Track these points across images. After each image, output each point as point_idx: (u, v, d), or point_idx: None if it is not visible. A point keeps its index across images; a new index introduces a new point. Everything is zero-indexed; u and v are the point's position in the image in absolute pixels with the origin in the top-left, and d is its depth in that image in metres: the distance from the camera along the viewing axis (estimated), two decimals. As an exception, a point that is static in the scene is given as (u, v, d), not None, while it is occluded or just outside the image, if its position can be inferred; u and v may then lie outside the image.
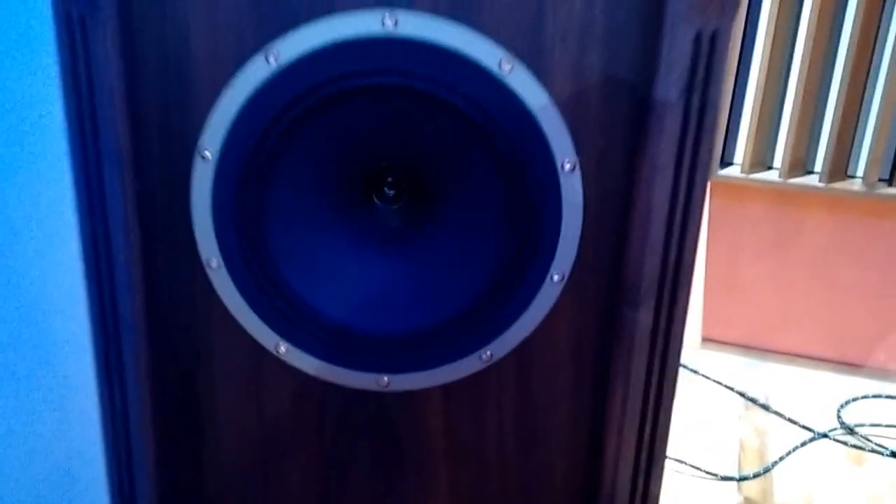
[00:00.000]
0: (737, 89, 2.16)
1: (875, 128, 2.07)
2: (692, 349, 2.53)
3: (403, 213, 0.77)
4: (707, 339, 2.57)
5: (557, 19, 0.67)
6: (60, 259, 0.94)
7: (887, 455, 2.04)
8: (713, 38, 0.67)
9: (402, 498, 0.86)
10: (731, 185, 2.29)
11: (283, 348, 0.77)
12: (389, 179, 0.77)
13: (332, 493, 0.84)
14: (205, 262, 0.75)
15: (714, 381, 2.38)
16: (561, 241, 0.73)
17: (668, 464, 1.90)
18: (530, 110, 0.69)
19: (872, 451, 2.04)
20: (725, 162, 2.26)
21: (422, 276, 0.77)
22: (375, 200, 0.77)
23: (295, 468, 0.84)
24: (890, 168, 2.15)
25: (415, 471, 0.84)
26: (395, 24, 0.67)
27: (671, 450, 1.95)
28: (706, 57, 0.67)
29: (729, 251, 2.47)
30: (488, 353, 0.77)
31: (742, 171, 2.20)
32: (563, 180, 0.71)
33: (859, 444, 2.06)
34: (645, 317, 0.74)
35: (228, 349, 0.78)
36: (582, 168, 0.71)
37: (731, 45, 0.68)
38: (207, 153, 0.71)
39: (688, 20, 0.65)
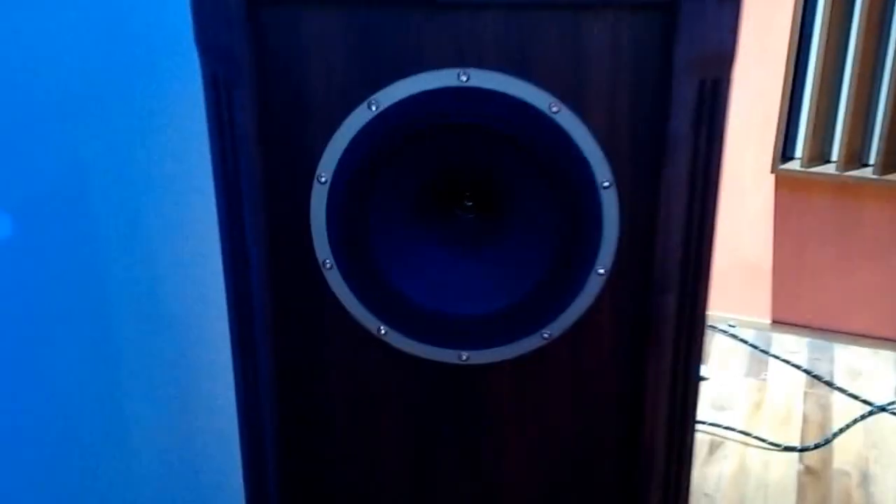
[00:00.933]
0: (795, 89, 2.29)
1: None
2: (762, 331, 2.66)
3: (477, 221, 0.97)
4: (777, 322, 2.69)
5: (594, 72, 0.87)
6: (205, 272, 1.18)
7: (942, 425, 2.14)
8: (715, 85, 0.86)
9: (480, 460, 1.06)
10: (794, 178, 2.42)
11: (383, 330, 0.99)
12: (466, 194, 0.97)
13: (425, 456, 1.05)
14: (321, 263, 0.96)
15: (782, 360, 2.52)
16: (603, 242, 0.92)
17: (735, 436, 2.07)
18: (575, 142, 0.89)
19: (929, 422, 2.15)
20: (787, 156, 2.38)
21: (492, 271, 0.97)
22: (455, 211, 0.97)
23: (392, 431, 1.04)
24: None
25: (490, 435, 1.04)
26: (468, 78, 0.88)
27: (740, 423, 2.12)
28: (710, 100, 0.86)
29: (795, 240, 2.58)
30: (547, 332, 0.97)
31: (802, 165, 2.32)
32: (602, 195, 0.91)
33: (917, 416, 2.17)
34: (671, 301, 0.93)
35: (340, 333, 0.99)
36: (617, 186, 0.90)
37: (729, 90, 0.87)
38: (323, 178, 0.92)
39: (691, 73, 0.84)
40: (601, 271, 0.94)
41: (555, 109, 0.88)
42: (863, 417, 2.27)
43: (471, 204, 0.97)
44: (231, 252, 0.96)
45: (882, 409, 2.32)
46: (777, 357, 2.59)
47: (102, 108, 1.27)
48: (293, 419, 1.03)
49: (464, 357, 0.98)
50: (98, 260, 1.35)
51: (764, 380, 2.48)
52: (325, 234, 0.95)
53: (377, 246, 0.96)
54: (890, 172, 2.34)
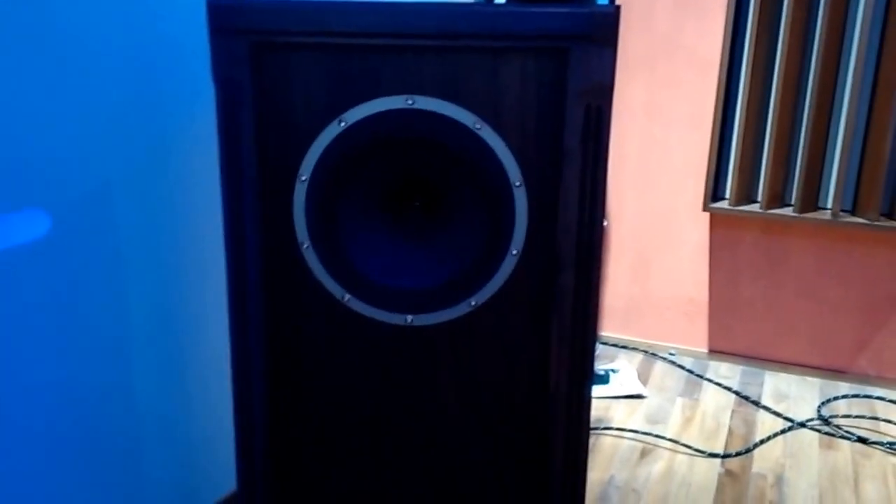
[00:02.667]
0: (723, 138, 2.61)
1: (838, 165, 2.48)
2: (700, 359, 2.94)
3: (422, 214, 1.27)
4: (713, 350, 2.97)
5: (507, 99, 1.17)
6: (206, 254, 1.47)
7: (854, 440, 2.44)
8: (598, 110, 1.17)
9: (424, 403, 1.32)
10: (724, 217, 2.72)
11: (347, 297, 1.27)
12: (414, 193, 1.27)
13: (381, 400, 1.33)
14: (300, 244, 1.25)
15: (715, 383, 2.79)
16: (516, 229, 1.22)
17: (665, 444, 2.35)
18: (494, 151, 1.19)
19: (842, 437, 2.44)
20: (718, 197, 2.69)
21: (432, 253, 1.26)
22: (405, 206, 1.27)
23: (354, 379, 1.32)
24: (852, 200, 2.55)
25: (431, 383, 1.32)
26: (413, 102, 1.18)
27: (671, 434, 2.39)
28: (595, 120, 1.17)
29: (729, 274, 2.87)
30: (473, 301, 1.26)
31: (730, 204, 2.62)
32: (515, 193, 1.21)
33: (831, 431, 2.46)
34: (569, 277, 1.23)
35: (314, 300, 1.28)
36: (526, 186, 1.21)
37: (611, 117, 1.17)
38: (303, 177, 1.22)
39: (579, 100, 1.15)
40: (514, 252, 1.23)
41: (478, 126, 1.18)
42: (783, 432, 2.54)
43: (417, 201, 1.27)
44: (231, 235, 1.25)
45: (802, 424, 2.59)
46: (710, 381, 2.87)
47: (127, 123, 1.57)
48: (277, 370, 1.31)
49: (409, 320, 1.27)
50: (119, 255, 1.63)
51: (696, 399, 2.75)
52: (304, 221, 1.24)
53: (344, 232, 1.25)
54: (809, 211, 2.64)
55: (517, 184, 1.18)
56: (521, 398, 1.29)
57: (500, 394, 1.29)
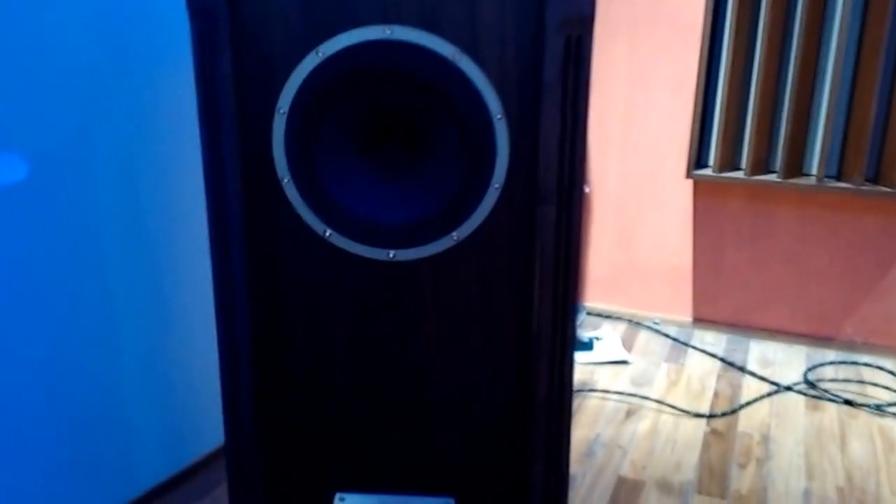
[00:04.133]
0: (707, 104, 2.61)
1: (823, 131, 2.48)
2: (685, 327, 2.95)
3: (402, 148, 1.26)
4: (698, 319, 2.97)
5: (487, 30, 1.17)
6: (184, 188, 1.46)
7: (840, 402, 2.44)
8: (578, 40, 1.17)
9: (406, 340, 1.32)
10: (708, 183, 2.72)
11: (328, 233, 1.27)
12: (393, 127, 1.26)
13: (363, 337, 1.32)
14: (280, 179, 1.25)
15: (699, 349, 2.80)
16: (497, 162, 1.22)
17: (651, 405, 2.35)
18: (474, 83, 1.19)
19: (829, 400, 2.44)
20: (702, 164, 2.69)
21: (413, 187, 1.25)
22: (385, 140, 1.26)
23: (337, 317, 1.32)
24: (837, 166, 2.55)
25: (413, 320, 1.32)
26: (391, 32, 1.18)
27: (656, 395, 2.40)
28: (575, 51, 1.16)
29: (713, 243, 2.88)
30: (456, 235, 1.25)
31: (714, 171, 2.62)
32: (496, 125, 1.20)
33: (818, 394, 2.46)
34: (551, 210, 1.22)
35: (294, 236, 1.28)
36: (507, 118, 1.20)
37: (592, 51, 1.17)
38: (282, 110, 1.21)
39: (559, 31, 1.15)
40: (496, 186, 1.23)
41: (458, 58, 1.18)
42: (769, 395, 2.55)
43: (398, 135, 1.26)
44: (211, 170, 1.24)
45: (788, 388, 2.60)
46: (695, 348, 2.87)
47: (102, 60, 1.57)
48: (260, 309, 1.30)
49: (391, 255, 1.27)
50: (91, 193, 1.62)
51: (682, 364, 2.76)
52: (283, 156, 1.23)
53: (324, 167, 1.24)
54: (794, 177, 2.65)
55: (498, 116, 1.18)
56: (505, 332, 1.29)
57: (484, 329, 1.28)
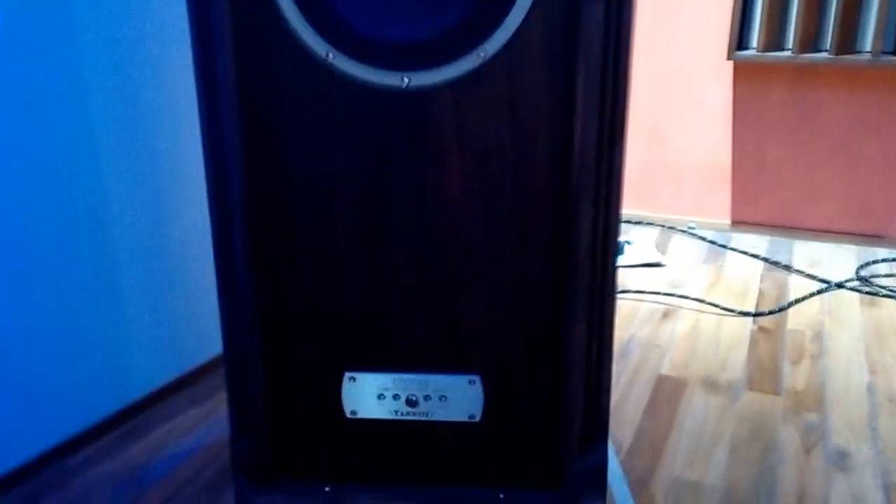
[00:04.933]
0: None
1: (878, 2, 2.23)
2: (723, 231, 2.73)
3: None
4: (737, 222, 2.75)
5: None
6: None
7: (899, 298, 2.21)
8: None
9: (425, 185, 1.10)
10: (751, 66, 2.49)
11: (331, 55, 1.05)
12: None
13: (374, 183, 1.11)
14: (274, -9, 1.03)
15: (740, 251, 2.58)
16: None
17: (690, 305, 2.14)
18: None
19: (886, 296, 2.22)
20: (743, 46, 2.45)
21: (431, -6, 1.04)
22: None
23: (343, 160, 1.11)
24: (893, 40, 2.31)
25: (433, 160, 1.10)
26: None
27: (697, 296, 2.18)
28: None
29: (754, 135, 2.64)
30: (483, 52, 1.03)
31: (758, 51, 2.38)
32: None
33: (873, 291, 2.25)
34: (597, 11, 1.00)
35: (292, 62, 1.06)
36: None
37: None
38: None
39: None
40: (531, -11, 1.00)
41: None
42: (819, 292, 2.34)
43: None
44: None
45: (839, 285, 2.38)
46: (735, 250, 2.66)
47: None
48: (253, 153, 1.09)
49: (405, 81, 1.05)
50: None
51: (721, 266, 2.54)
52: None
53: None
54: (845, 53, 2.41)
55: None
56: (539, 173, 1.07)
57: (515, 169, 1.07)
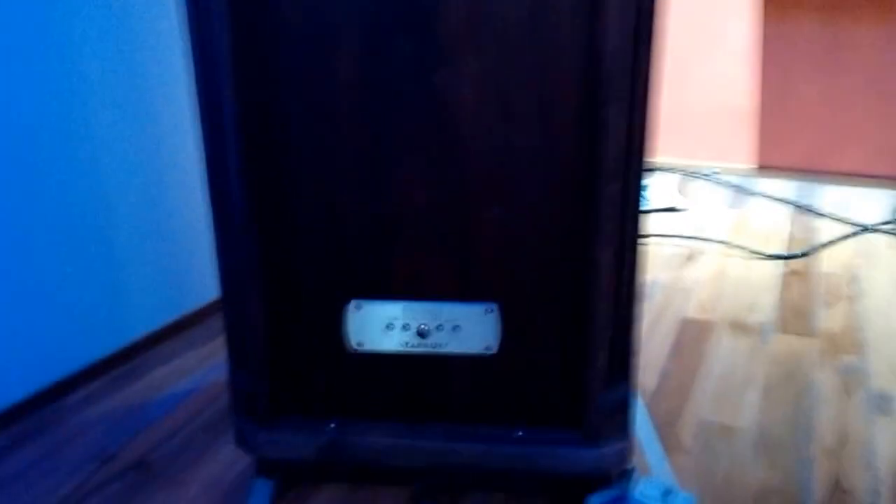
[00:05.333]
0: None
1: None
2: (748, 176, 2.61)
3: None
4: (763, 167, 2.63)
5: None
6: None
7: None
8: None
9: (434, 86, 0.99)
10: (781, -1, 2.33)
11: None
12: None
13: (378, 81, 1.00)
14: None
15: (766, 196, 2.46)
16: None
17: (715, 248, 2.03)
18: None
19: (923, 240, 2.09)
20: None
21: None
22: None
23: (344, 57, 0.99)
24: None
25: (445, 55, 0.98)
26: None
27: (722, 240, 2.08)
28: None
29: (782, 74, 2.51)
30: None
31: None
32: None
33: (909, 232, 2.11)
34: None
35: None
36: None
37: None
38: None
39: None
40: None
41: None
42: (853, 235, 2.22)
43: None
44: None
45: (873, 228, 2.27)
46: (761, 194, 2.54)
47: None
48: (246, 59, 0.98)
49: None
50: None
51: (747, 210, 2.43)
52: None
53: None
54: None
55: None
56: (564, 74, 0.96)
57: (536, 70, 0.96)
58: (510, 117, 0.97)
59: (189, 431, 1.38)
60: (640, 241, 1.01)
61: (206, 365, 1.58)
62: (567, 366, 1.08)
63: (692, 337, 1.66)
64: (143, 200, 1.60)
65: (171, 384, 1.53)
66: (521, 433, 1.12)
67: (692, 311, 1.78)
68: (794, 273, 1.98)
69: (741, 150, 2.66)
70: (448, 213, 1.02)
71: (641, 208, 0.99)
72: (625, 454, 1.12)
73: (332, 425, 1.13)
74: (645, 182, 0.99)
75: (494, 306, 1.06)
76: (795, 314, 1.76)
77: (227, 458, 1.29)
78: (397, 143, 0.99)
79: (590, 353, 1.04)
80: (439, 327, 1.07)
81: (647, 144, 0.96)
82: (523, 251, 1.03)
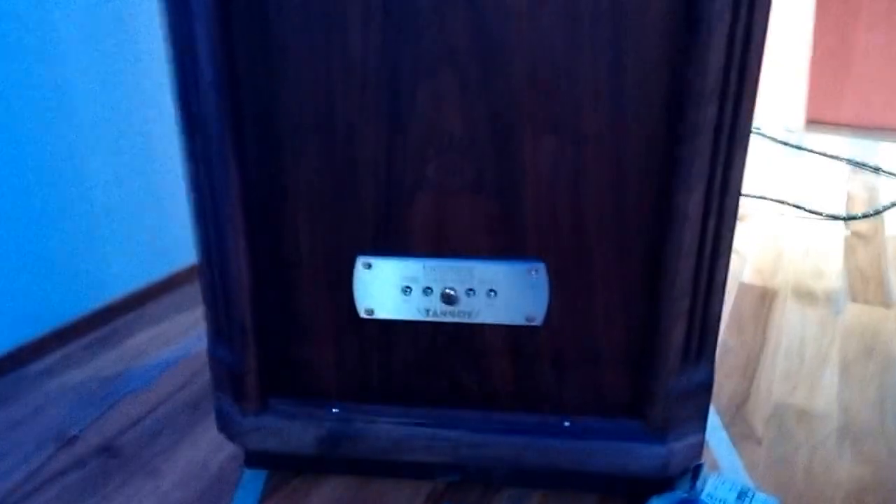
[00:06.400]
0: None
1: None
2: (796, 132, 2.38)
3: None
4: (812, 122, 2.40)
5: None
6: None
7: None
8: None
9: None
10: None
11: None
12: None
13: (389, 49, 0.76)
14: None
15: (820, 153, 2.24)
16: None
17: (768, 207, 1.79)
18: None
19: None
20: None
21: None
22: None
23: (351, 29, 0.76)
24: None
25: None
26: None
27: (775, 198, 1.84)
28: None
29: (839, 22, 2.29)
30: None
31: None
32: None
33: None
34: None
35: None
36: None
37: None
38: None
39: None
40: None
41: None
42: (920, 194, 1.99)
43: None
44: None
45: (939, 190, 2.03)
46: (813, 151, 2.31)
47: None
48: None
49: None
50: None
51: (798, 168, 2.20)
52: None
53: None
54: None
55: None
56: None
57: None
58: (574, 16, 0.73)
59: (168, 409, 1.17)
60: (735, 184, 0.78)
61: (193, 332, 1.37)
62: (630, 342, 0.85)
63: (753, 306, 1.44)
64: (122, 145, 1.38)
65: (151, 353, 1.31)
66: (568, 423, 0.89)
67: (749, 277, 1.56)
68: (858, 236, 1.75)
69: (790, 104, 2.42)
70: (486, 143, 0.78)
71: (743, 141, 0.76)
72: (698, 450, 0.90)
73: (335, 410, 0.90)
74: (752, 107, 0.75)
75: (540, 266, 0.84)
76: (866, 281, 1.54)
77: (212, 443, 1.08)
78: (424, 51, 0.75)
79: (662, 325, 0.82)
80: (470, 292, 0.85)
81: (757, 55, 0.73)
82: (580, 195, 0.79)
